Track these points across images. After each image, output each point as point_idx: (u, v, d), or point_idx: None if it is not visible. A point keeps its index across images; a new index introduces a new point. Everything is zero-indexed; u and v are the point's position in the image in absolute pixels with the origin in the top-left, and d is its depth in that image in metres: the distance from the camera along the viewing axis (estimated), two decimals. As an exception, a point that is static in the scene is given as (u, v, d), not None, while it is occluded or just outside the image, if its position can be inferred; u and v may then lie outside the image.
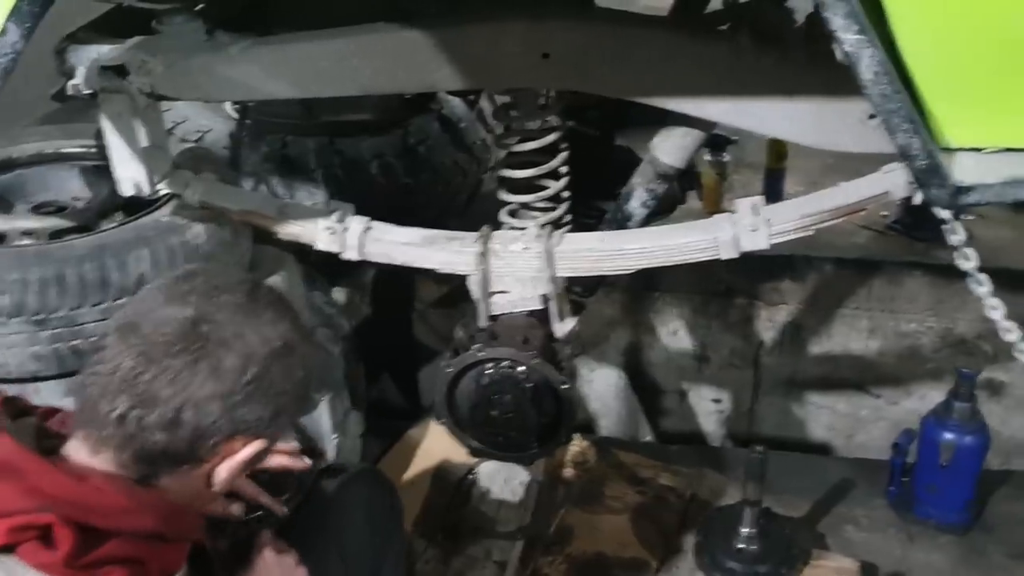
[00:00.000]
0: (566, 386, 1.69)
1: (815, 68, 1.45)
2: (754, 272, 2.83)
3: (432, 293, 2.98)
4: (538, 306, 1.73)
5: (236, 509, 1.36)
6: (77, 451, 1.08)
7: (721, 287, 2.86)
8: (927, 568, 2.12)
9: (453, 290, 2.89)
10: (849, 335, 2.90)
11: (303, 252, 2.08)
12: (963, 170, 1.18)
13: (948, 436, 2.13)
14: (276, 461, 1.40)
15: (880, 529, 2.22)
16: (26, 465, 1.01)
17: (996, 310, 1.42)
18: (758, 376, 2.94)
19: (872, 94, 1.10)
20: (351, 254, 1.73)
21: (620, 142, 2.80)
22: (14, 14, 1.20)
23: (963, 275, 1.46)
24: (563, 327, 1.76)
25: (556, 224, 1.81)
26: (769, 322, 2.90)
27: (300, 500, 1.45)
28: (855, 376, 2.93)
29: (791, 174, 3.06)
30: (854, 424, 2.96)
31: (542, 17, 1.57)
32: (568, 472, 2.24)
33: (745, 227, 1.59)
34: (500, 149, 1.89)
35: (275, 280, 1.86)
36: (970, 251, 1.38)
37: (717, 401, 3.01)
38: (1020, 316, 1.29)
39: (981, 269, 1.44)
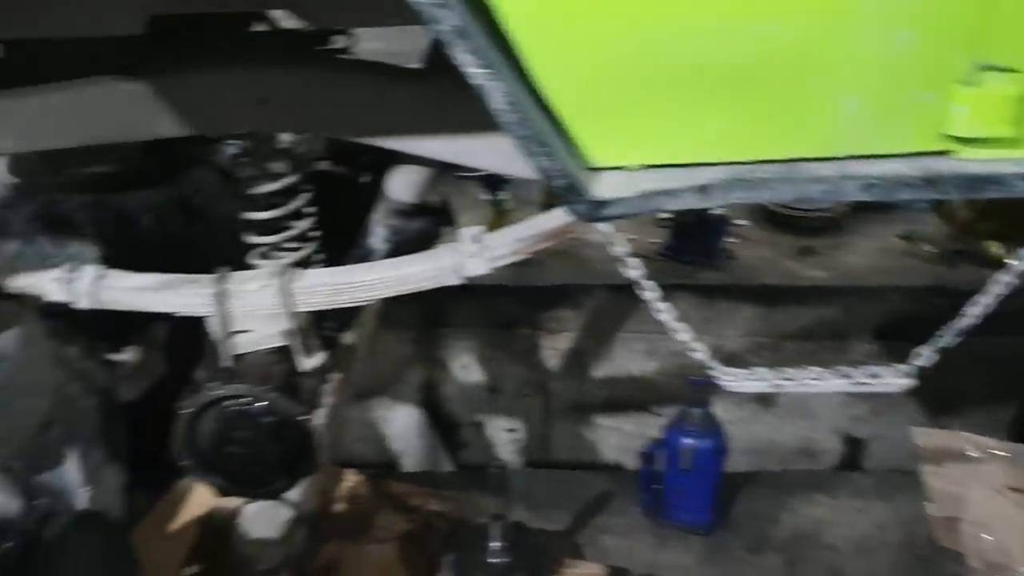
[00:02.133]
0: (305, 417, 1.74)
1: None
2: (534, 303, 2.97)
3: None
4: (279, 343, 1.78)
5: None
6: None
7: (505, 319, 2.99)
8: (675, 568, 2.27)
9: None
10: (629, 357, 3.08)
11: (52, 309, 2.06)
12: (605, 187, 1.32)
13: (687, 441, 2.30)
14: None
15: (633, 535, 2.36)
16: None
17: (665, 314, 1.58)
18: (548, 403, 3.07)
19: (505, 123, 1.22)
20: (83, 302, 1.73)
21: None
22: None
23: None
24: (309, 361, 1.81)
25: (304, 263, 1.87)
26: (553, 350, 3.05)
27: (10, 548, 1.43)
28: (638, 396, 3.11)
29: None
30: (641, 442, 3.13)
31: (258, 64, 1.65)
32: (338, 507, 2.27)
33: (466, 254, 1.71)
34: (243, 193, 1.95)
35: (10, 335, 1.83)
36: (633, 260, 1.53)
37: (512, 430, 3.11)
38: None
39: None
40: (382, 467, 2.89)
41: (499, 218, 3.15)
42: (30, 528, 1.46)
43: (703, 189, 1.27)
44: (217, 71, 1.65)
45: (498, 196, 3.13)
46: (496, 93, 1.21)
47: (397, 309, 2.37)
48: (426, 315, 2.95)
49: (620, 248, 1.52)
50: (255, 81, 1.64)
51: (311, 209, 1.96)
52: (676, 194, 1.28)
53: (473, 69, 1.19)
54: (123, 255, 2.08)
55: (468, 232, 1.74)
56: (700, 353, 1.63)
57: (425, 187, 1.90)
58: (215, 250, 2.83)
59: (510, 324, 2.98)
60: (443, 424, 3.09)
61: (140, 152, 2.69)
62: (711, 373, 1.62)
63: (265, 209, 1.93)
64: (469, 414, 3.09)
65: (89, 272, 1.74)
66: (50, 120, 1.68)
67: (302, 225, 1.96)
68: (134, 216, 2.70)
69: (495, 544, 2.08)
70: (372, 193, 2.83)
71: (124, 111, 1.67)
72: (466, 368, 3.05)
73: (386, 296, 1.77)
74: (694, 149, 1.31)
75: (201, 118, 1.68)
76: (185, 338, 2.97)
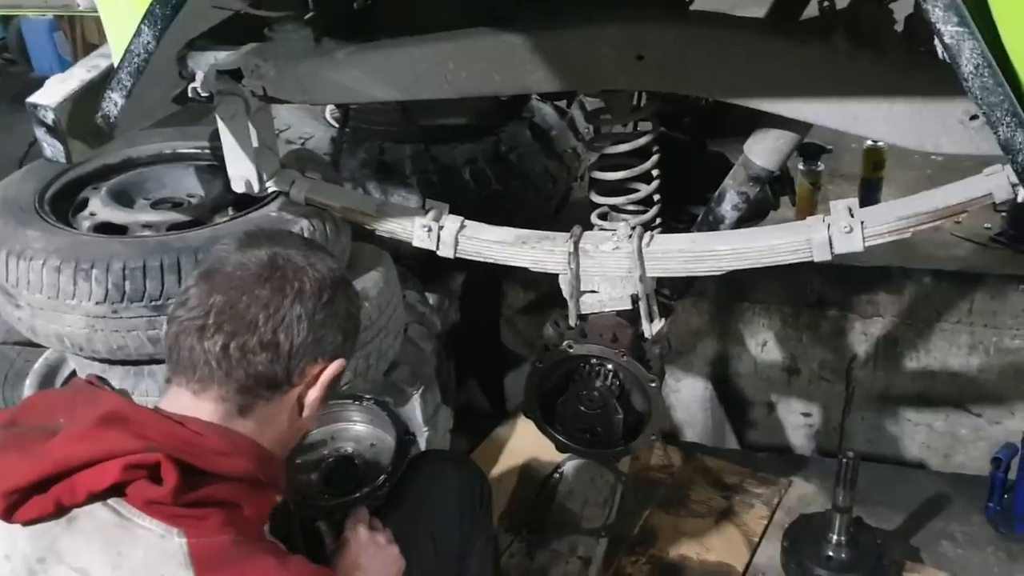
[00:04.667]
0: (653, 384, 1.70)
1: (914, 69, 1.44)
2: (848, 283, 2.77)
3: (519, 299, 3.02)
4: (627, 306, 1.75)
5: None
6: (176, 400, 1.16)
7: (813, 298, 2.81)
8: (1029, 589, 2.05)
9: (540, 296, 2.93)
10: (948, 350, 2.80)
11: (397, 254, 2.16)
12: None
13: (1052, 452, 2.04)
14: None
15: (978, 546, 2.14)
16: (132, 414, 1.10)
17: None
18: (850, 390, 2.87)
19: (973, 87, 1.09)
20: (446, 251, 1.79)
21: (713, 148, 2.79)
22: (147, 17, 1.30)
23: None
24: (652, 327, 1.77)
25: (647, 226, 1.83)
26: (863, 335, 2.83)
27: (393, 482, 1.50)
28: (954, 393, 2.83)
29: (888, 185, 2.99)
30: (952, 443, 2.85)
31: (636, 20, 1.60)
32: (653, 475, 2.24)
33: (839, 229, 1.58)
34: (592, 152, 1.93)
35: (373, 276, 1.93)
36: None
37: (807, 415, 2.95)
38: None
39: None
40: (664, 437, 2.84)
41: (812, 190, 2.95)
42: (401, 463, 1.54)
43: None
44: (595, 25, 1.62)
45: (816, 167, 2.94)
46: (968, 53, 1.07)
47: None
48: (727, 286, 2.83)
49: None
50: (632, 37, 1.59)
51: (657, 172, 1.91)
52: None
53: (947, 27, 1.06)
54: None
55: (841, 204, 1.61)
56: None
57: (787, 156, 1.78)
58: (527, 205, 2.90)
59: (819, 304, 2.80)
60: (732, 401, 2.98)
61: (463, 106, 2.79)
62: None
63: (613, 170, 1.89)
64: (762, 394, 2.95)
65: (452, 222, 1.79)
66: (424, 70, 1.72)
67: (648, 188, 1.92)
68: (456, 168, 2.80)
69: (836, 537, 1.97)
70: (705, 158, 2.76)
71: (497, 64, 1.68)
72: (764, 346, 2.91)
73: (745, 268, 1.69)
74: None
75: (576, 74, 1.67)
76: (476, 288, 3.08)
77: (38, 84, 1.52)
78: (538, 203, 2.91)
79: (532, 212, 2.89)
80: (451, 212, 1.81)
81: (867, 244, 1.58)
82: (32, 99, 1.43)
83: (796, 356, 2.90)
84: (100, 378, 1.23)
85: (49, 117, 1.45)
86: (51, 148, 1.47)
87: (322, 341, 1.19)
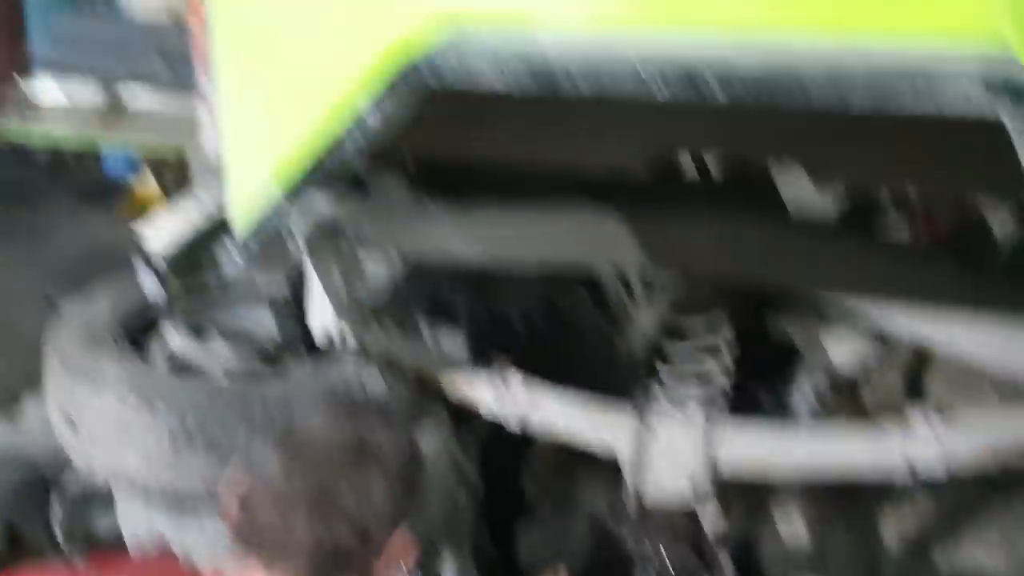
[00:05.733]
0: (715, 586, 1.64)
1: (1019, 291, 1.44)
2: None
3: (547, 451, 2.95)
4: (689, 495, 1.70)
5: None
6: (247, 572, 1.14)
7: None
8: None
9: (569, 450, 2.86)
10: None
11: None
12: None
13: None
14: None
15: None
16: None
17: None
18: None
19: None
20: (512, 417, 1.77)
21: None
22: (291, 192, 1.30)
23: None
24: (715, 521, 1.73)
25: (714, 406, 1.79)
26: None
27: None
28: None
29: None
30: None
31: (737, 212, 1.62)
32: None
33: (918, 440, 1.54)
34: (662, 319, 1.92)
35: (428, 431, 1.90)
36: None
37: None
38: None
39: None
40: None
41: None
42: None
43: None
44: (693, 212, 1.64)
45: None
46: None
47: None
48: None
49: None
50: (733, 228, 1.60)
51: (727, 349, 1.89)
52: None
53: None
54: (490, 350, 2.10)
55: (921, 414, 1.56)
56: None
57: (868, 359, 1.77)
58: (575, 360, 2.87)
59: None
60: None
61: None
62: None
63: (681, 340, 1.88)
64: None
65: (519, 385, 1.77)
66: (516, 235, 1.74)
67: (718, 365, 1.89)
68: (507, 315, 2.79)
69: None
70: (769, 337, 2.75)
71: (591, 237, 1.69)
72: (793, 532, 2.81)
73: (816, 479, 1.66)
74: None
75: (667, 255, 1.67)
76: (502, 436, 3.01)
77: (106, 185, 1.53)
78: (586, 358, 2.89)
79: (583, 368, 2.85)
80: (500, 362, 1.81)
81: (947, 465, 1.54)
82: (143, 242, 1.45)
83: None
84: None
85: (160, 265, 1.47)
86: (154, 289, 1.48)
87: (401, 514, 1.19)
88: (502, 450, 2.99)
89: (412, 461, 1.23)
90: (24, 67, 5.03)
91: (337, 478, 1.14)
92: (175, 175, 5.02)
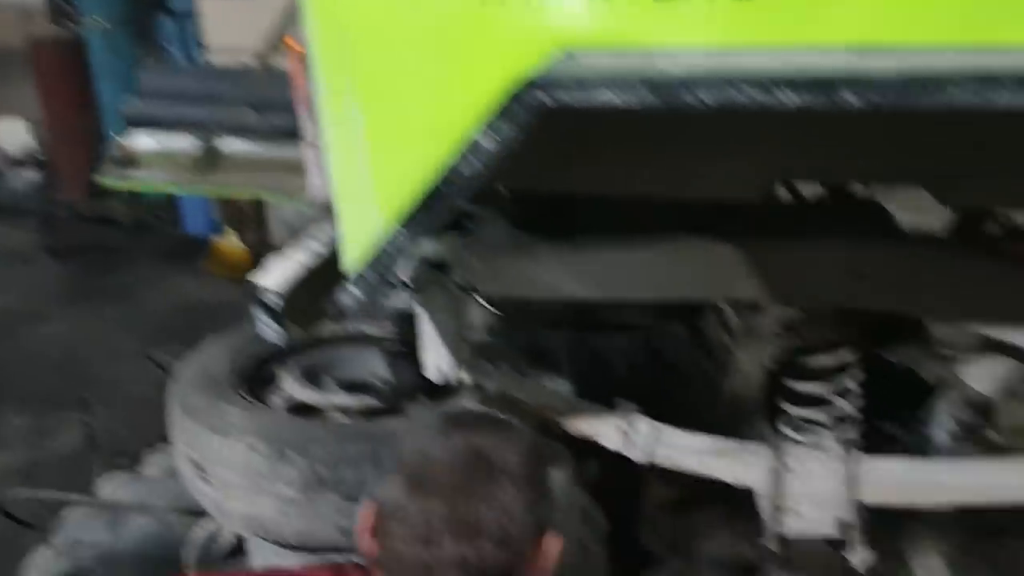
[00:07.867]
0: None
1: None
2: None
3: (661, 495, 2.87)
4: (833, 532, 1.63)
5: None
6: None
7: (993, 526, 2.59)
8: None
9: (687, 494, 2.78)
10: None
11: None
12: None
13: None
14: None
15: None
16: None
17: None
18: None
19: None
20: (638, 455, 1.72)
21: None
22: (408, 223, 1.28)
23: None
24: (861, 557, 1.64)
25: (850, 443, 1.73)
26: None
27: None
28: None
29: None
30: None
31: (862, 239, 1.57)
32: None
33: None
34: (788, 358, 1.86)
35: (555, 476, 1.86)
36: None
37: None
38: None
39: None
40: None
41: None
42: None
43: None
44: (815, 242, 1.59)
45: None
46: None
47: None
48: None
49: None
50: (858, 256, 1.56)
51: (856, 386, 1.82)
52: None
53: None
54: (592, 394, 2.06)
55: None
56: None
57: (1009, 383, 1.69)
58: (677, 403, 2.81)
59: (999, 532, 2.58)
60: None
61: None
62: None
63: (810, 379, 1.82)
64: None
65: (646, 425, 1.73)
66: (629, 272, 1.71)
67: (848, 403, 1.83)
68: (608, 358, 2.75)
69: None
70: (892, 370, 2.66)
71: (704, 271, 1.66)
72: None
73: (966, 506, 1.57)
74: None
75: (789, 287, 1.63)
76: (613, 478, 2.94)
77: (188, 244, 1.55)
78: (688, 401, 2.82)
79: (680, 410, 2.80)
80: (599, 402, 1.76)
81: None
82: (258, 281, 1.46)
83: (967, 588, 2.64)
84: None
85: (275, 302, 1.48)
86: (270, 329, 1.49)
87: (541, 518, 1.15)
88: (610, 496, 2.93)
89: (538, 463, 1.19)
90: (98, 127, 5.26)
91: (468, 496, 1.11)
92: (255, 229, 5.14)
